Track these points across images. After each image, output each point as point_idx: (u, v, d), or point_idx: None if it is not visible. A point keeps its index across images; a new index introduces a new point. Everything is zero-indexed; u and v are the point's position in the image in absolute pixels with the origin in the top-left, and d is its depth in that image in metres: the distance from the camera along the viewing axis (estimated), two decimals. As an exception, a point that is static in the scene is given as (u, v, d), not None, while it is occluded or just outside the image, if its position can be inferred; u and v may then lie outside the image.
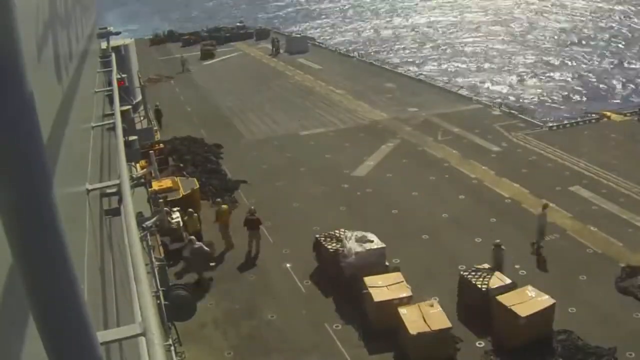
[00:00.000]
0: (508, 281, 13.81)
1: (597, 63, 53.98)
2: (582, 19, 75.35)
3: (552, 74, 51.39)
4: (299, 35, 54.12)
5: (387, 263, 15.30)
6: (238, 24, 63.89)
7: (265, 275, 16.38)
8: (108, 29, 14.79)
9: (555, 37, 65.90)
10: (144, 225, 9.98)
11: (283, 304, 15.00)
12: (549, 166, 22.91)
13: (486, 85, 48.67)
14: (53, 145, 3.05)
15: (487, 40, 66.42)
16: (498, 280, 13.83)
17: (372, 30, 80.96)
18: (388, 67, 44.66)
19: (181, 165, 23.99)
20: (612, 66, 52.70)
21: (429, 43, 68.58)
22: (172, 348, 11.02)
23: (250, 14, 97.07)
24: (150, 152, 20.51)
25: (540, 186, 20.71)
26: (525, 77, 51.15)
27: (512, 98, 42.76)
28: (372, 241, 15.27)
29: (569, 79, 49.63)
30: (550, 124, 28.42)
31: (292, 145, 26.75)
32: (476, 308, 13.66)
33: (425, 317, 12.61)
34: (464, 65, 56.59)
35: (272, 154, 25.67)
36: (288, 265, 16.70)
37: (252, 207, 18.00)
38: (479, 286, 13.72)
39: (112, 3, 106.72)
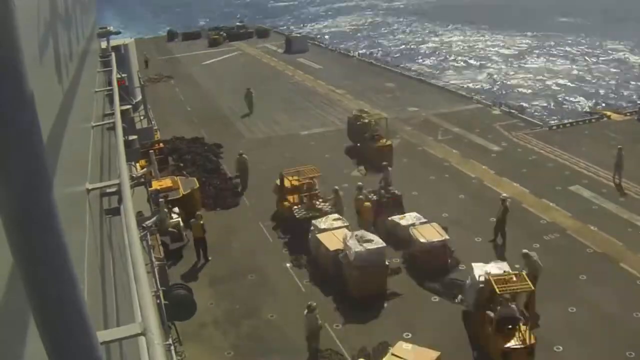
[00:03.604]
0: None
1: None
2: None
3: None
4: (298, 35, 54.10)
5: (387, 262, 15.30)
6: (238, 23, 63.75)
7: (265, 275, 16.38)
8: (108, 28, 14.82)
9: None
10: (144, 225, 10.01)
11: (283, 304, 15.00)
12: (549, 166, 22.91)
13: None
14: (53, 145, 3.05)
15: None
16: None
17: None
18: (388, 66, 44.59)
19: (181, 164, 23.98)
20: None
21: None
22: (172, 348, 11.03)
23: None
24: (150, 151, 20.51)
25: (540, 186, 20.70)
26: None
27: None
28: (372, 240, 15.25)
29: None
30: (550, 124, 28.43)
31: (292, 145, 26.73)
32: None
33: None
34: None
35: (272, 154, 25.63)
36: (288, 265, 16.70)
37: None
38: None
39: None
